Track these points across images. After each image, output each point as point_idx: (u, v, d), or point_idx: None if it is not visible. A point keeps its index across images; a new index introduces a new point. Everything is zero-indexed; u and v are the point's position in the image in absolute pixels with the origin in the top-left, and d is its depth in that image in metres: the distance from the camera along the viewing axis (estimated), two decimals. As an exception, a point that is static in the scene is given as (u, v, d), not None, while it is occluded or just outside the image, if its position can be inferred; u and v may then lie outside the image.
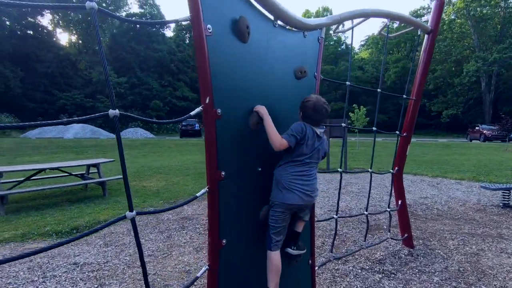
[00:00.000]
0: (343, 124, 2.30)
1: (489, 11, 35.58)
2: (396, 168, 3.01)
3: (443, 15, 38.15)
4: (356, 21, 2.38)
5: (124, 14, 40.28)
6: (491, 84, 35.61)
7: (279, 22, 1.64)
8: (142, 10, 40.74)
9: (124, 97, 35.38)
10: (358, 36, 68.25)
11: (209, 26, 1.19)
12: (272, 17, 1.57)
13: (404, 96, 2.82)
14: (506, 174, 7.45)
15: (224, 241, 1.35)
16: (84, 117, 0.92)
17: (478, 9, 35.32)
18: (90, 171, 5.89)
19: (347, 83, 2.29)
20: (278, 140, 1.50)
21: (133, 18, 39.27)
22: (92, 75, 35.32)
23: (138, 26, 39.33)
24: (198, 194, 1.24)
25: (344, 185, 6.21)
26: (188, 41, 47.70)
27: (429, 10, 40.79)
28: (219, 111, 1.26)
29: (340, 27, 2.56)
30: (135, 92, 36.76)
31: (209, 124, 1.23)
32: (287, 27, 1.73)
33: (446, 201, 4.99)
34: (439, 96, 37.59)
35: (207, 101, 1.20)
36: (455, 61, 36.57)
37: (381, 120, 34.22)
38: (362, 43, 52.79)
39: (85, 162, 5.44)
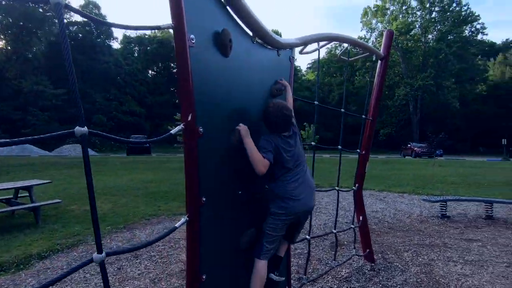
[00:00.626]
0: (313, 143, 2.31)
1: (413, 45, 41.20)
2: (357, 185, 3.12)
3: (377, 45, 43.02)
4: (321, 43, 2.47)
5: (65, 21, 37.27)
6: (417, 107, 40.71)
7: (257, 39, 1.60)
8: (86, 20, 38.21)
9: (62, 110, 32.12)
10: (305, 59, 73.03)
11: (192, 36, 1.08)
12: (251, 33, 1.52)
13: (363, 116, 2.97)
14: (438, 187, 8.37)
15: (204, 276, 1.19)
16: (45, 135, 0.73)
17: (404, 42, 40.69)
18: (19, 195, 5.06)
19: (315, 102, 2.33)
20: (260, 161, 1.43)
21: (74, 28, 36.58)
22: (22, 85, 31.48)
23: (80, 35, 36.66)
24: (177, 225, 1.07)
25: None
26: (136, 54, 45.82)
27: (366, 39, 45.69)
28: (201, 129, 1.14)
29: (306, 49, 2.63)
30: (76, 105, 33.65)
31: (190, 144, 1.10)
32: (264, 44, 1.70)
33: (394, 214, 5.35)
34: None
35: (189, 118, 1.07)
36: (388, 86, 41.04)
37: (328, 137, 36.50)
38: (309, 66, 56.46)
39: (13, 185, 4.67)
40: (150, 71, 48.21)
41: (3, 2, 31.21)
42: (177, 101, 47.69)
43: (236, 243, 1.44)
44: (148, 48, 45.86)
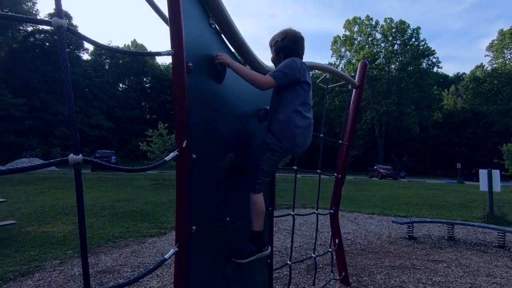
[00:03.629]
0: (295, 167, 2.35)
1: (378, 73, 44.35)
2: (333, 207, 3.18)
3: (346, 72, 45.74)
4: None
5: (29, 29, 35.47)
6: (382, 131, 43.25)
7: (247, 66, 1.64)
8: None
9: (19, 121, 29.87)
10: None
11: (190, 63, 1.09)
12: (242, 60, 1.56)
13: (340, 141, 3.09)
14: (403, 208, 8.79)
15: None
16: (40, 163, 0.68)
17: (370, 70, 43.70)
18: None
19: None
20: (261, 77, 1.39)
21: (41, 36, 34.91)
22: (-24, 93, 29.03)
23: (47, 43, 35.01)
24: (166, 256, 1.02)
25: (275, 222, 6.29)
26: (107, 67, 44.50)
27: (335, 65, 48.32)
28: (194, 156, 1.12)
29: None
30: (36, 116, 31.52)
31: (183, 171, 1.07)
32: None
33: (365, 235, 5.50)
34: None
35: (183, 145, 1.05)
36: (348, 92, 43.38)
37: (299, 157, 37.23)
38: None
39: (-40, 204, 4.18)
40: (121, 85, 46.88)
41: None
42: (148, 116, 46.53)
43: (224, 274, 1.39)
44: (120, 61, 44.83)
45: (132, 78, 46.79)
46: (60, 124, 32.66)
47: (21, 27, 34.78)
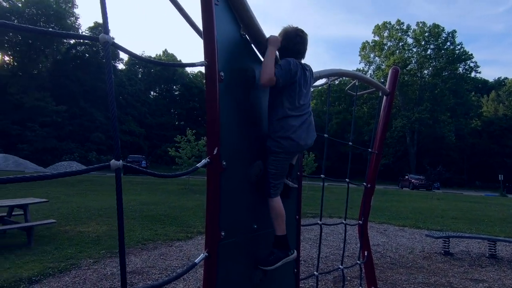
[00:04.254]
0: (322, 176, 2.31)
1: (409, 79, 42.59)
2: (362, 218, 3.08)
3: (375, 77, 44.44)
4: (331, 78, 2.56)
5: (72, 41, 38.35)
6: (414, 139, 41.25)
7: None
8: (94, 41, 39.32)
9: (61, 127, 32.16)
10: (304, 87, 74.77)
11: (222, 73, 1.13)
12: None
13: (369, 150, 3.00)
14: (438, 221, 8.28)
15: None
16: (85, 168, 0.73)
17: (401, 76, 42.09)
18: (13, 213, 4.93)
19: (325, 135, 2.37)
20: (270, 73, 1.36)
21: (82, 48, 37.52)
22: (23, 100, 31.70)
23: (87, 55, 37.61)
24: (197, 261, 1.05)
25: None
26: (140, 76, 46.81)
27: (364, 71, 47.15)
28: (224, 163, 1.15)
29: (316, 83, 2.72)
30: (75, 123, 33.78)
31: (213, 178, 1.10)
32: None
33: (396, 249, 5.24)
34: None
35: (214, 152, 1.08)
36: (379, 99, 41.94)
37: (327, 167, 36.46)
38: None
39: (9, 203, 4.56)
40: (152, 92, 49.04)
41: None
42: (177, 122, 48.13)
43: (251, 278, 1.40)
44: (152, 70, 47.00)
45: (162, 86, 48.80)
46: (96, 130, 34.71)
47: (65, 40, 37.68)
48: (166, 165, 33.43)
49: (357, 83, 2.84)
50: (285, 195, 1.61)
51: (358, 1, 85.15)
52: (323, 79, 2.49)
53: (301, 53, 1.60)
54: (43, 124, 30.73)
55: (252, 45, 1.43)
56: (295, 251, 1.59)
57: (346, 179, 2.58)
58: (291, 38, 1.55)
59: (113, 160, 0.75)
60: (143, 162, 23.84)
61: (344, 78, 2.82)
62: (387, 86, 3.22)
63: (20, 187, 10.92)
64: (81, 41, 38.51)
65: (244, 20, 1.30)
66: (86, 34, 0.74)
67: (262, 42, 1.41)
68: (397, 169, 39.05)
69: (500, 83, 53.05)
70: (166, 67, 46.51)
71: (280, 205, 1.51)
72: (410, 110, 40.72)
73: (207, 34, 1.06)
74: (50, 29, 0.65)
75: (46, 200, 5.32)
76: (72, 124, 33.47)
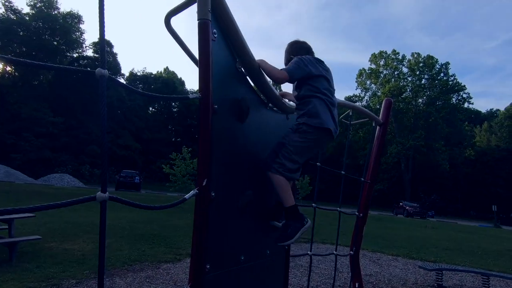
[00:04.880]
0: (313, 205, 2.31)
1: (404, 107, 43.49)
2: (353, 248, 3.04)
3: (371, 104, 45.29)
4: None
5: (75, 55, 39.02)
6: (408, 166, 41.49)
7: (270, 105, 1.70)
8: (97, 55, 39.92)
9: (56, 138, 31.97)
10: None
11: (216, 106, 1.15)
12: (266, 100, 1.62)
13: (362, 179, 3.02)
14: (432, 251, 8.16)
15: None
16: (69, 200, 0.73)
17: (396, 103, 43.01)
18: (-3, 227, 4.78)
19: (318, 164, 2.39)
20: (277, 71, 1.49)
21: (84, 62, 38.09)
22: (21, 110, 31.67)
23: (89, 68, 38.07)
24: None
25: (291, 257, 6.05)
26: (141, 91, 47.29)
27: (360, 97, 48.11)
28: (213, 194, 1.15)
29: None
30: (71, 134, 33.63)
31: (201, 209, 1.09)
32: (274, 108, 1.80)
33: (389, 280, 5.12)
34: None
35: (204, 183, 1.08)
36: (372, 129, 42.45)
37: (320, 189, 36.34)
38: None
39: (-6, 216, 4.43)
40: (151, 108, 49.37)
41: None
42: (173, 139, 48.13)
43: None
44: (152, 86, 47.59)
45: (162, 102, 49.24)
46: (92, 143, 34.52)
47: (68, 54, 38.30)
48: (160, 181, 33.04)
49: (351, 113, 2.90)
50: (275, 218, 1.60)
51: (357, 31, 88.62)
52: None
53: (310, 50, 1.80)
54: (38, 134, 30.55)
55: (248, 77, 1.47)
56: (309, 219, 1.55)
57: (338, 208, 2.57)
58: (295, 45, 1.80)
59: (99, 193, 0.75)
60: (136, 178, 23.50)
61: (349, 111, 2.89)
62: (380, 117, 3.29)
63: (8, 200, 10.67)
64: (84, 54, 39.22)
65: (240, 55, 1.34)
66: (83, 69, 0.75)
67: (258, 75, 1.45)
68: (391, 195, 38.95)
69: (492, 115, 54.36)
70: (166, 84, 47.08)
71: (282, 179, 1.46)
72: (405, 137, 41.26)
73: (203, 68, 1.09)
74: (48, 63, 0.68)
75: (33, 215, 5.18)
76: (68, 135, 33.31)
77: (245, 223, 1.44)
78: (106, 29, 0.76)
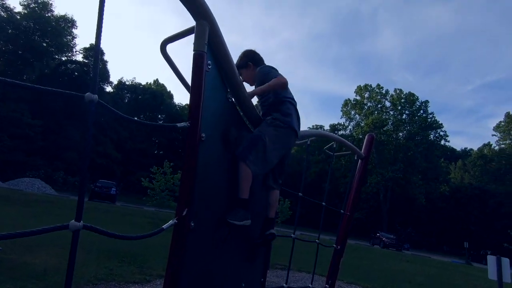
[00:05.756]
0: (292, 235, 2.29)
1: (385, 139, 45.03)
2: (329, 281, 3.00)
3: (354, 133, 46.59)
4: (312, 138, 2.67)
5: (63, 58, 38.34)
6: (387, 197, 42.36)
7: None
8: (87, 61, 39.36)
9: (32, 141, 30.60)
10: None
11: (203, 135, 1.15)
12: (253, 129, 1.64)
13: (342, 211, 3.04)
14: (406, 287, 8.19)
15: None
16: (40, 228, 0.69)
17: (378, 135, 44.49)
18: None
19: (299, 194, 2.40)
20: (279, 80, 1.62)
21: (73, 66, 37.49)
22: (-2, 109, 30.36)
23: (76, 73, 37.45)
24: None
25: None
26: (127, 100, 46.69)
27: (344, 126, 49.43)
28: (192, 224, 1.12)
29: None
30: (49, 138, 32.33)
31: (178, 239, 1.06)
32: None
33: (362, 314, 5.06)
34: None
35: (184, 213, 1.06)
36: (354, 162, 43.41)
37: (300, 214, 36.19)
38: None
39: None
40: (136, 118, 48.40)
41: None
42: (156, 151, 47.21)
43: None
44: (140, 97, 47.13)
45: (147, 113, 48.66)
46: (70, 149, 33.27)
47: (56, 56, 37.62)
48: (137, 194, 31.92)
49: (335, 145, 2.97)
50: (251, 257, 1.57)
51: (345, 63, 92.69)
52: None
53: (264, 63, 1.98)
54: (13, 135, 29.17)
55: (237, 107, 1.50)
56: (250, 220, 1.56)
57: (317, 240, 2.57)
58: (257, 55, 1.95)
59: (72, 221, 0.72)
60: (113, 189, 22.59)
61: (333, 144, 2.95)
62: (362, 151, 3.38)
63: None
64: (73, 59, 38.64)
65: (232, 85, 1.37)
66: (71, 92, 0.75)
67: (248, 106, 1.48)
68: (369, 224, 39.32)
69: (466, 153, 57.10)
70: (154, 95, 46.79)
71: (249, 172, 1.49)
72: (385, 168, 42.39)
73: (194, 97, 1.10)
74: (39, 86, 0.67)
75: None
76: (45, 139, 32.00)
77: (223, 255, 1.41)
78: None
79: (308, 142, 2.64)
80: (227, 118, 1.41)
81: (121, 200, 26.75)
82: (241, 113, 1.51)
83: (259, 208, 1.67)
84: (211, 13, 1.09)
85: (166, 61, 1.19)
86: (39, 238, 6.45)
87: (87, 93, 0.76)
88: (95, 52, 0.73)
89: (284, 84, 1.67)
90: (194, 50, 1.09)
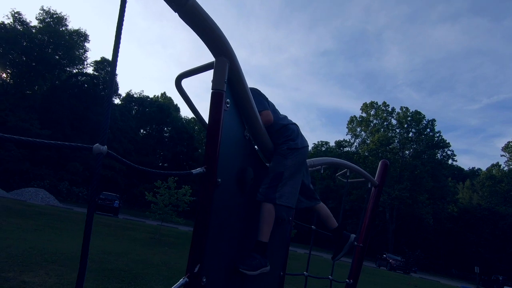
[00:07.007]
0: (305, 273, 2.14)
1: (391, 157, 44.54)
2: (341, 319, 2.81)
3: (360, 151, 46.26)
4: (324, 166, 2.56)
5: (74, 71, 39.24)
6: (393, 216, 41.43)
7: (267, 164, 1.64)
8: (97, 74, 40.21)
9: (38, 151, 30.92)
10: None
11: (219, 179, 1.06)
12: (268, 164, 1.55)
13: (355, 243, 2.88)
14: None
15: None
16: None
17: (384, 153, 44.08)
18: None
19: (313, 227, 2.27)
20: (265, 117, 1.56)
21: (83, 78, 38.34)
22: (8, 118, 30.86)
23: (86, 85, 38.19)
24: None
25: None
26: (134, 113, 47.24)
27: (350, 143, 49.18)
28: (204, 280, 1.01)
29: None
30: (55, 148, 32.62)
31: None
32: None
33: None
34: (353, 218, 41.88)
35: (196, 269, 0.95)
36: (367, 190, 42.67)
37: (306, 231, 35.49)
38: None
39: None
40: (142, 131, 49.02)
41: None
42: (161, 164, 47.24)
43: None
44: (147, 109, 47.69)
45: (154, 126, 49.06)
46: (75, 159, 33.47)
47: (68, 69, 38.54)
48: (140, 207, 31.76)
49: (348, 173, 2.85)
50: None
51: (351, 79, 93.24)
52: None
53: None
54: (20, 145, 29.51)
55: (255, 145, 1.41)
56: (269, 265, 1.47)
57: (330, 276, 2.41)
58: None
59: (97, 144, 0.64)
60: (116, 202, 22.44)
61: (346, 171, 2.84)
62: (376, 178, 3.25)
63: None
64: (84, 71, 39.50)
65: (250, 123, 1.29)
66: (79, 145, 0.66)
67: (265, 142, 1.40)
68: (375, 244, 38.29)
69: (474, 173, 56.09)
70: (161, 108, 47.30)
71: (273, 212, 1.44)
72: (391, 186, 41.71)
73: (211, 139, 1.02)
74: (51, 141, 0.60)
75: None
76: (50, 149, 32.28)
77: None
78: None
79: (322, 171, 2.53)
80: (244, 157, 1.33)
81: (123, 213, 26.57)
82: (260, 150, 1.43)
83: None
84: (232, 49, 1.01)
85: (181, 96, 1.12)
86: (39, 255, 6.31)
87: (95, 145, 0.68)
88: (105, 101, 0.65)
89: (268, 122, 1.62)
90: (212, 89, 1.01)
